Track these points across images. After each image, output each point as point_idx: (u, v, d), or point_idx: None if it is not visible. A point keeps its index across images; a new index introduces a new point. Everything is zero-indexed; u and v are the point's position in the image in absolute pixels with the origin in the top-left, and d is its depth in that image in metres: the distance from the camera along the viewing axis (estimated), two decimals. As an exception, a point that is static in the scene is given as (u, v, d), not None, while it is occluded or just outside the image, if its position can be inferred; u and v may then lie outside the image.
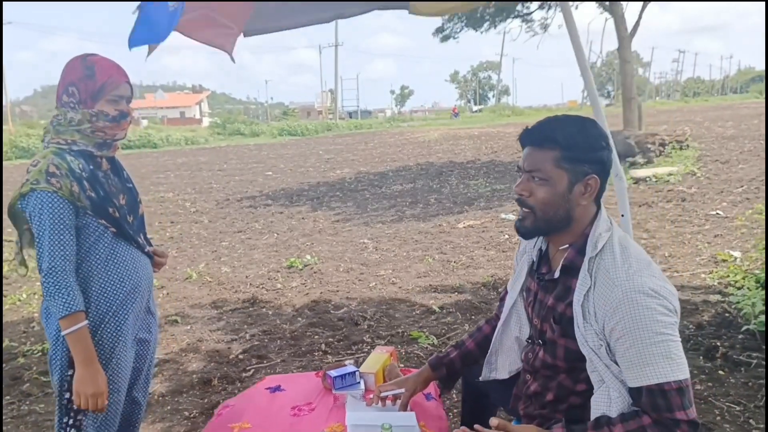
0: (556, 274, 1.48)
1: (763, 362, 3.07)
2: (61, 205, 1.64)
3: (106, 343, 1.74)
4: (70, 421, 1.74)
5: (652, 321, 1.28)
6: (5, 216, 1.83)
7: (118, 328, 1.76)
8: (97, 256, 1.73)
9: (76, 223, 1.69)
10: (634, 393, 1.32)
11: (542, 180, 1.41)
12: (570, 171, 1.41)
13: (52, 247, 1.62)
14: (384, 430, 1.47)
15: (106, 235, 1.74)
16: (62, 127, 1.73)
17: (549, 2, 13.85)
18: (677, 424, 1.26)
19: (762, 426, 2.52)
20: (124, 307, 1.78)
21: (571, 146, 1.40)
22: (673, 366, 1.28)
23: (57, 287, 1.62)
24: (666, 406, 1.27)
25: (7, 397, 3.22)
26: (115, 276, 1.76)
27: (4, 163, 21.87)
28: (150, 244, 1.96)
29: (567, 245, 1.47)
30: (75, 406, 1.71)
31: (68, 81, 1.73)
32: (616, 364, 1.35)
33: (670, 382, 1.27)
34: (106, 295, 1.74)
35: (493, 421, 1.33)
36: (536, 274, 1.58)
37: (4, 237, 7.37)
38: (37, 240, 1.64)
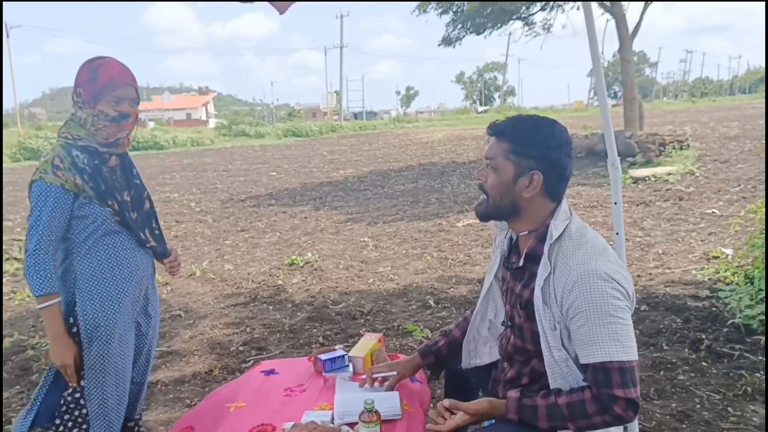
0: (521, 262, 1.60)
1: (745, 354, 3.17)
2: (63, 196, 1.80)
3: (105, 325, 1.88)
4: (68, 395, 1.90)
5: (604, 303, 1.38)
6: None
7: (115, 310, 1.90)
8: (95, 243, 1.88)
9: (79, 213, 1.84)
10: (584, 369, 1.43)
11: (494, 168, 1.56)
12: (516, 163, 1.53)
13: (43, 232, 1.78)
14: (366, 406, 1.58)
15: (107, 223, 1.89)
16: (73, 122, 1.91)
17: (551, 3, 13.95)
18: (614, 400, 1.36)
19: (739, 413, 2.62)
20: (120, 291, 1.91)
21: (517, 141, 1.53)
22: (619, 347, 1.37)
23: (37, 267, 1.77)
24: (605, 382, 1.37)
25: (17, 387, 3.37)
26: (114, 260, 1.91)
27: (15, 164, 22.10)
28: (157, 242, 2.10)
29: (526, 232, 1.58)
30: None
31: (77, 83, 1.89)
32: (565, 348, 1.46)
33: (613, 362, 1.36)
34: (104, 278, 1.89)
35: (445, 402, 1.45)
36: (507, 263, 1.69)
37: (4, 236, 7.54)
38: (33, 222, 1.79)
